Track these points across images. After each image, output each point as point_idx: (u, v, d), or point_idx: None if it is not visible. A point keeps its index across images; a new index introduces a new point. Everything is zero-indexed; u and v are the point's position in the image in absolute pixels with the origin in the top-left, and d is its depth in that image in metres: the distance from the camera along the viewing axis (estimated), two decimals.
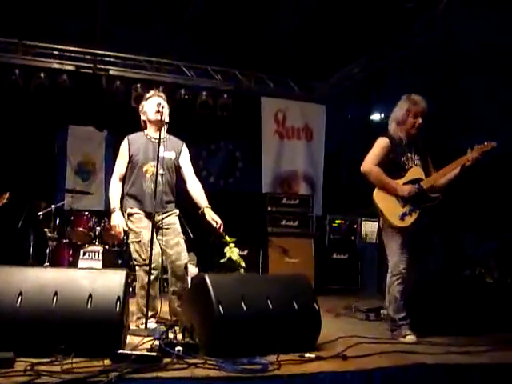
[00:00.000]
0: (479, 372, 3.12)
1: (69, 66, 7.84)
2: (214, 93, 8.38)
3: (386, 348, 3.46)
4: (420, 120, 4.03)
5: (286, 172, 8.80)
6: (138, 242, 4.13)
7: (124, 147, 4.34)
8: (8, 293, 2.94)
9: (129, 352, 2.84)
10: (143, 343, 3.30)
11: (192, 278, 6.59)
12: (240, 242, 7.53)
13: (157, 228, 4.16)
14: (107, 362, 2.72)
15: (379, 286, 7.90)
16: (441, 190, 4.06)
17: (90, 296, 3.00)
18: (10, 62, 7.48)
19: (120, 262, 6.80)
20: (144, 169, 4.21)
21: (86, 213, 7.02)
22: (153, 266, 3.97)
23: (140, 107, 4.47)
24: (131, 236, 4.24)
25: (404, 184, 4.02)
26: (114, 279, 3.14)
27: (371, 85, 8.91)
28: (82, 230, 6.81)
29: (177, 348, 2.92)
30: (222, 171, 9.26)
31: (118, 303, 3.01)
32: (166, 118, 4.24)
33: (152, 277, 4.00)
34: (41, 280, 3.06)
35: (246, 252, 7.48)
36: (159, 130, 4.22)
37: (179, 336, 3.26)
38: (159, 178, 4.06)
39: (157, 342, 3.08)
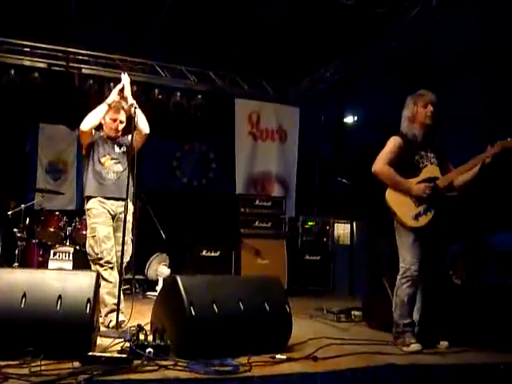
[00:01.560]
0: (448, 372, 3.17)
1: (41, 64, 7.72)
2: (188, 93, 8.36)
3: (356, 349, 3.49)
4: (431, 108, 3.86)
5: (259, 173, 8.82)
6: (93, 236, 4.27)
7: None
8: None
9: (99, 354, 2.81)
10: (113, 345, 3.26)
11: (164, 280, 6.61)
12: (212, 243, 7.57)
13: (113, 219, 4.36)
14: (77, 364, 2.69)
15: (351, 287, 8.00)
16: (461, 189, 3.89)
17: (60, 297, 2.96)
18: None
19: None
20: (102, 160, 4.41)
21: (57, 213, 6.94)
22: (108, 258, 4.20)
23: None
24: (87, 231, 4.42)
25: (418, 183, 3.84)
26: (85, 281, 3.11)
27: (345, 88, 9.00)
28: (52, 229, 6.72)
29: (147, 350, 2.90)
30: (196, 172, 9.25)
31: (89, 305, 2.98)
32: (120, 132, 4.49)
33: (105, 270, 4.18)
34: (9, 281, 3.02)
35: (218, 253, 7.50)
36: (113, 138, 4.50)
37: (150, 337, 3.25)
38: (117, 168, 4.40)
39: (127, 344, 3.06)
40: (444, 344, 3.75)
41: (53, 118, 8.48)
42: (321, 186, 9.77)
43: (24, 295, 2.92)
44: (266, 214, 7.93)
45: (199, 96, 8.38)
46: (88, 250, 4.32)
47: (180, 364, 2.83)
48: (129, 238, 4.34)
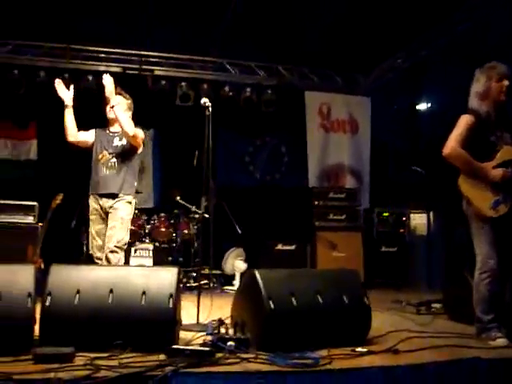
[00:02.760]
0: None
1: (115, 68, 8.00)
2: (257, 88, 8.40)
3: (438, 342, 3.42)
4: (507, 82, 3.53)
5: (332, 165, 8.74)
6: (90, 232, 4.59)
7: (92, 131, 4.71)
8: (66, 290, 3.07)
9: (183, 347, 2.91)
10: (196, 338, 3.37)
11: (241, 274, 6.72)
12: (287, 237, 7.60)
13: (106, 215, 4.49)
14: (162, 356, 2.80)
15: (429, 279, 7.79)
16: None
17: (144, 293, 3.09)
18: (59, 66, 7.69)
19: (170, 258, 6.94)
20: (99, 156, 4.55)
21: (136, 211, 7.18)
22: (98, 255, 4.45)
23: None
24: None
25: (495, 167, 3.51)
26: (167, 276, 3.22)
27: (416, 74, 8.76)
28: (132, 228, 6.95)
29: (229, 343, 2.97)
30: (268, 166, 9.27)
31: (171, 300, 3.09)
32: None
33: None
34: (96, 278, 3.19)
35: (293, 247, 7.50)
36: (114, 124, 4.63)
37: (231, 331, 3.32)
38: (112, 163, 4.50)
39: (209, 337, 3.15)
40: None
41: None
42: (395, 175, 9.58)
43: (111, 291, 3.07)
44: (340, 206, 7.86)
45: (269, 91, 8.40)
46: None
47: (261, 357, 2.88)
48: (118, 223, 4.43)
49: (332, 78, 8.80)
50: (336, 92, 8.89)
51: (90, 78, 7.71)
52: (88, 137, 4.65)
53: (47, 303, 3.01)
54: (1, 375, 2.44)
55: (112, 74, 7.72)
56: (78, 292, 3.05)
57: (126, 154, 4.55)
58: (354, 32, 7.25)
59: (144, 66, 8.07)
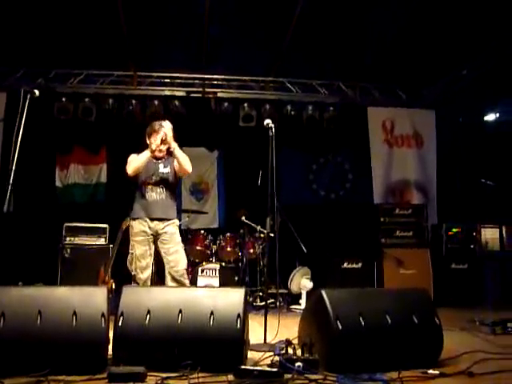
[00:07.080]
0: None
1: (179, 92, 8.24)
2: (319, 106, 8.41)
3: None
4: None
5: (397, 181, 8.60)
6: (132, 253, 4.73)
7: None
8: (138, 311, 3.15)
9: (251, 368, 2.92)
10: (264, 358, 3.37)
11: (308, 293, 6.69)
12: (353, 255, 7.50)
13: (157, 236, 4.74)
14: (231, 377, 2.82)
15: (503, 296, 7.48)
16: None
17: (212, 313, 3.13)
18: (126, 93, 8.01)
19: (236, 278, 6.99)
20: (146, 183, 4.80)
21: (202, 231, 7.31)
22: (139, 276, 4.65)
23: (148, 130, 4.92)
24: (130, 247, 4.80)
25: None
26: (234, 297, 3.26)
27: (483, 84, 8.53)
28: (199, 248, 7.08)
29: (297, 364, 2.96)
30: (332, 184, 9.23)
31: (239, 320, 3.12)
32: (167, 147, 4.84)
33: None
34: (166, 299, 3.26)
35: (360, 265, 7.40)
36: (159, 157, 4.91)
37: (298, 352, 3.30)
38: (160, 189, 4.79)
39: (277, 358, 3.15)
40: None
41: (193, 142, 8.95)
42: (463, 189, 9.31)
43: (180, 312, 3.13)
44: (406, 222, 7.69)
45: (331, 108, 8.38)
46: (128, 264, 4.73)
47: (329, 378, 2.85)
48: (179, 247, 4.77)
49: (394, 92, 8.69)
50: (399, 106, 8.76)
51: (156, 102, 7.97)
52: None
53: (120, 323, 3.11)
54: None
55: (176, 97, 8.11)
56: (149, 312, 3.13)
57: (171, 181, 4.88)
58: (415, 45, 7.14)
59: (207, 89, 8.27)
